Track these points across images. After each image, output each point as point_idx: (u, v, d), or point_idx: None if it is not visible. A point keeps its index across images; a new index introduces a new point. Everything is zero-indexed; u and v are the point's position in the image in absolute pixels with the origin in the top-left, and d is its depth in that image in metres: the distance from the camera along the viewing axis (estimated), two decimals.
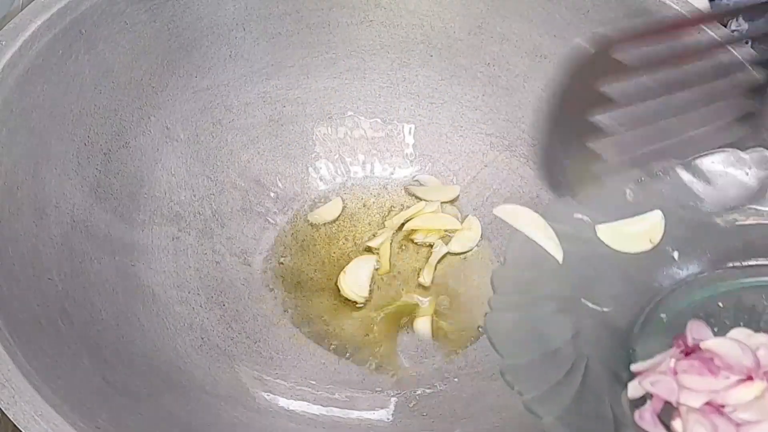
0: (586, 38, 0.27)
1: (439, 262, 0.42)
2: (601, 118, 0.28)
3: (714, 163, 0.33)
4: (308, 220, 0.43)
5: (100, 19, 0.38)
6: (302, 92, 0.45)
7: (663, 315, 0.31)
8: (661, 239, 0.32)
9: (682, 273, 0.32)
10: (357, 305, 0.41)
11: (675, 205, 0.33)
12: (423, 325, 0.40)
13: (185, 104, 0.42)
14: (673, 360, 0.29)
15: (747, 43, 0.38)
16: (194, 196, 0.41)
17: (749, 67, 0.32)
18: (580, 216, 0.32)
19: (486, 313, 0.29)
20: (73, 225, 0.35)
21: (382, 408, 0.37)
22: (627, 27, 0.28)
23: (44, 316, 0.31)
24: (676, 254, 0.32)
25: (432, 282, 0.42)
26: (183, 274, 0.39)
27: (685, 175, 0.33)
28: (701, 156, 0.33)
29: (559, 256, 0.30)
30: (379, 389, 0.37)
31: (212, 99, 0.43)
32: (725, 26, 0.36)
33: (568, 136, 0.29)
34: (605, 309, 0.31)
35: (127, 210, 0.39)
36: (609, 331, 0.30)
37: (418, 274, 0.42)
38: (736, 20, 0.46)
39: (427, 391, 0.37)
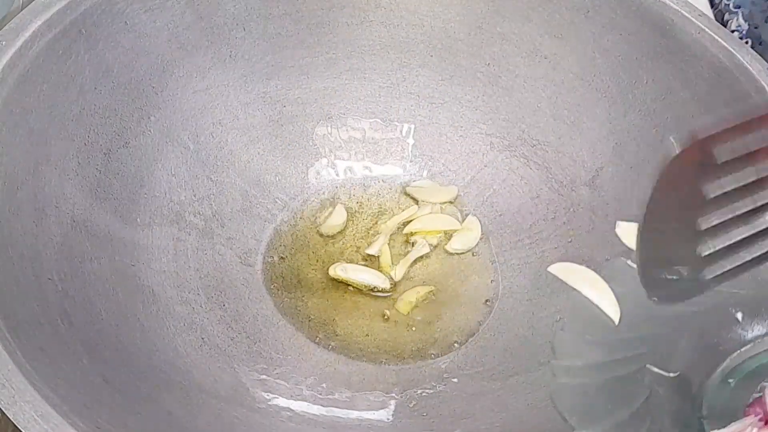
0: (678, 138, 0.25)
1: (422, 259, 0.43)
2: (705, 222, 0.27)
3: None
4: (320, 233, 0.43)
5: (100, 19, 0.38)
6: (302, 92, 0.45)
7: (730, 380, 0.31)
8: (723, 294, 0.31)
9: (748, 335, 0.31)
10: (356, 305, 0.41)
11: None
12: (403, 307, 0.41)
13: (185, 104, 0.42)
14: (755, 429, 0.28)
15: (747, 43, 0.38)
16: (194, 196, 0.41)
17: None
18: (635, 277, 0.31)
19: (551, 381, 0.28)
20: (73, 225, 0.35)
21: (382, 408, 0.37)
22: (719, 122, 0.26)
23: (44, 316, 0.31)
24: (740, 315, 0.31)
25: (404, 277, 0.42)
26: (183, 275, 0.39)
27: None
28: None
29: (615, 317, 0.30)
30: (379, 389, 0.37)
31: (212, 99, 0.43)
32: (725, 26, 0.36)
33: (672, 244, 0.27)
34: (671, 374, 0.30)
35: (127, 210, 0.39)
36: (677, 397, 0.30)
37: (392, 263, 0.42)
38: (736, 19, 0.46)
39: (427, 391, 0.37)
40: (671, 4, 0.40)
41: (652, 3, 0.40)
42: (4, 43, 0.35)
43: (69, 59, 0.37)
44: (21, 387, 0.27)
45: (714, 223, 0.26)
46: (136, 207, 0.39)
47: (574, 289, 0.30)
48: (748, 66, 0.38)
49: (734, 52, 0.38)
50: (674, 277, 0.27)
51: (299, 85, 0.45)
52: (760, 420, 0.29)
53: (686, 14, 0.40)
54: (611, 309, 0.30)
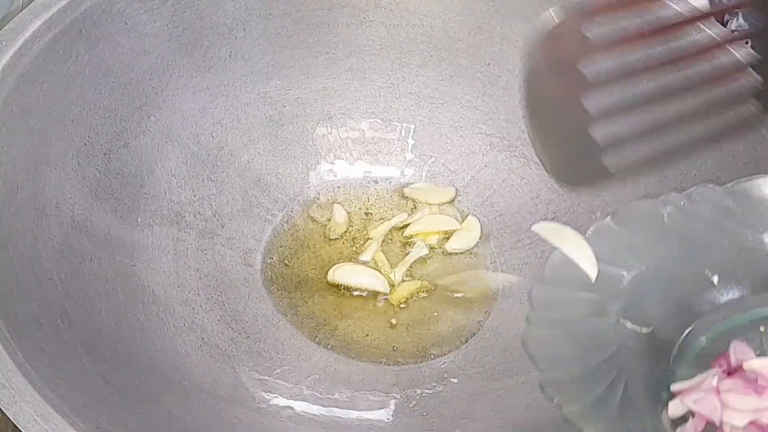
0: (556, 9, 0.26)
1: (422, 259, 0.43)
2: (589, 102, 0.28)
3: (754, 187, 0.32)
4: (320, 233, 0.43)
5: (100, 19, 0.38)
6: (302, 92, 0.45)
7: (702, 338, 0.31)
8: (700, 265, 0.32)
9: (722, 298, 0.32)
10: (356, 305, 0.41)
11: (715, 229, 0.32)
12: (395, 299, 0.41)
13: (185, 104, 0.42)
14: (716, 378, 0.28)
15: (747, 43, 0.38)
16: (194, 196, 0.41)
17: (751, 69, 0.31)
18: (617, 238, 0.32)
19: (525, 328, 0.29)
20: (73, 225, 0.35)
21: (382, 408, 0.37)
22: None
23: (44, 316, 0.31)
24: (715, 279, 0.32)
25: (404, 278, 0.42)
26: (183, 274, 0.39)
27: (726, 200, 0.32)
28: (742, 181, 0.32)
29: (593, 275, 0.30)
30: (379, 389, 0.37)
31: (212, 99, 0.43)
32: (724, 26, 0.36)
33: (559, 121, 0.28)
34: (644, 330, 0.31)
35: (127, 210, 0.39)
36: (648, 352, 0.30)
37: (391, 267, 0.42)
38: (736, 19, 0.46)
39: (427, 391, 0.37)
40: (670, 4, 0.40)
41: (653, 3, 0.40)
42: (4, 43, 0.35)
43: (69, 59, 0.37)
44: (21, 387, 0.27)
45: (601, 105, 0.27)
46: (136, 207, 0.39)
47: (556, 246, 0.30)
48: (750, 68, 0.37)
49: (734, 52, 0.38)
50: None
51: (299, 85, 0.45)
52: (723, 372, 0.29)
53: (686, 14, 0.40)
54: (589, 266, 0.30)
